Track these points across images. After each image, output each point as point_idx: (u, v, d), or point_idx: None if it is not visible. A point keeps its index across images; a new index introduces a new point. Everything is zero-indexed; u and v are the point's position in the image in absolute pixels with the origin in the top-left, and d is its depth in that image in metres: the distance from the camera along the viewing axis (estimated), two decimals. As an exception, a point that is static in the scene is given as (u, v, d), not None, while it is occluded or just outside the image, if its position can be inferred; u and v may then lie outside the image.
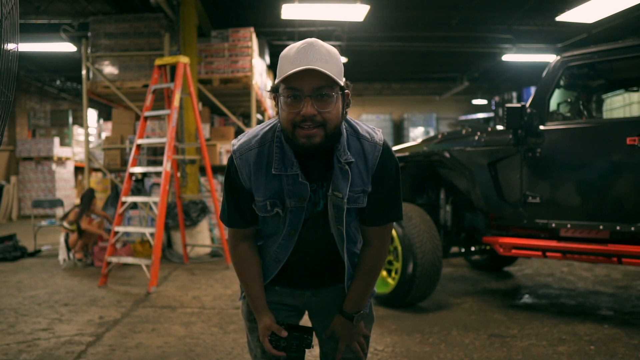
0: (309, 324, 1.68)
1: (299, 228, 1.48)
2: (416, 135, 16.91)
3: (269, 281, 1.57)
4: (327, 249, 1.54)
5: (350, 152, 1.42)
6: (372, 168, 1.45)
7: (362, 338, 1.60)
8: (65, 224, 6.13)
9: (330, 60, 1.32)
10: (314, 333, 1.56)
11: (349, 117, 1.48)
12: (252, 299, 1.54)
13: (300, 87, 1.30)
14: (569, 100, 3.92)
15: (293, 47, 1.34)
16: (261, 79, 8.20)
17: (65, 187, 12.50)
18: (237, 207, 1.49)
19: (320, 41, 1.35)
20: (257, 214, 1.50)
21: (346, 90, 1.39)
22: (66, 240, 6.04)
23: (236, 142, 1.48)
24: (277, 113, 1.41)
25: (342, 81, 1.35)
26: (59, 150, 12.18)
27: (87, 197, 6.13)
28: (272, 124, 1.48)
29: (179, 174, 6.28)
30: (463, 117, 17.01)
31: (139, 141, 5.29)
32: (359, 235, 1.58)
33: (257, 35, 8.13)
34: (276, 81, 1.35)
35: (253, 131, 1.49)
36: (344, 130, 1.43)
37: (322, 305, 1.63)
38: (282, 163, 1.41)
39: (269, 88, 1.41)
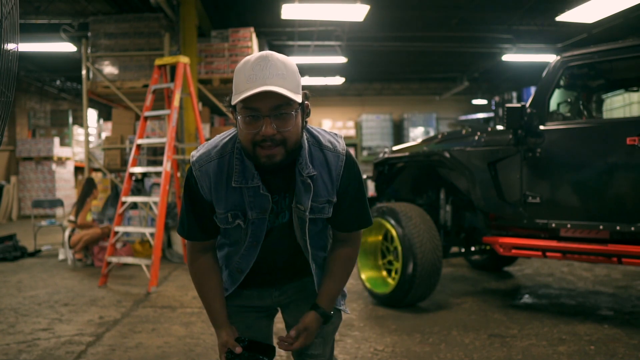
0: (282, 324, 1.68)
1: (261, 239, 1.47)
2: (416, 135, 16.88)
3: (233, 289, 1.56)
4: (293, 255, 1.53)
5: (314, 163, 1.41)
6: (337, 178, 1.45)
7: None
8: (71, 217, 6.14)
9: (287, 74, 1.29)
10: (275, 351, 1.51)
11: (309, 126, 1.46)
12: (211, 313, 1.53)
13: (258, 107, 1.28)
14: (569, 100, 3.92)
15: (248, 61, 1.30)
16: (261, 79, 8.19)
17: (65, 187, 12.50)
18: (198, 220, 1.47)
19: (275, 54, 1.31)
20: (217, 226, 1.48)
21: (306, 102, 1.37)
22: (70, 236, 6.05)
23: (195, 154, 1.45)
24: (236, 127, 1.39)
25: (300, 96, 1.32)
26: (59, 150, 12.18)
27: (87, 186, 6.22)
28: (231, 135, 1.45)
29: (179, 174, 6.28)
30: (463, 117, 16.98)
31: (139, 141, 5.30)
32: (328, 240, 1.59)
33: (257, 35, 8.13)
34: (233, 100, 1.32)
35: (212, 142, 1.47)
36: (305, 141, 1.41)
37: (291, 299, 1.63)
38: (243, 175, 1.39)
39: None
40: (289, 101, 1.29)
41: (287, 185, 1.43)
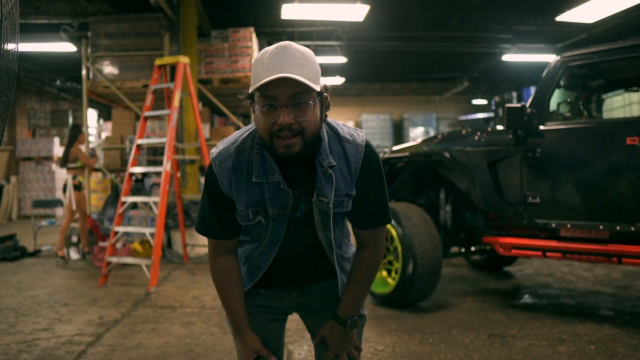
0: (288, 325, 1.65)
1: (281, 235, 1.45)
2: (416, 135, 16.90)
3: (251, 286, 1.54)
4: (311, 252, 1.51)
5: (332, 155, 1.38)
6: (356, 171, 1.41)
7: (354, 350, 1.54)
8: (69, 164, 6.42)
9: (306, 64, 1.27)
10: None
11: (330, 119, 1.43)
12: (233, 318, 1.50)
13: (276, 95, 1.26)
14: (569, 100, 3.92)
15: (267, 51, 1.29)
16: (261, 79, 8.19)
17: (65, 187, 12.47)
18: (219, 218, 1.44)
19: (294, 44, 1.30)
20: (239, 225, 1.46)
21: (325, 94, 1.34)
22: (74, 185, 6.33)
23: (215, 150, 1.43)
24: (254, 119, 1.37)
25: (319, 85, 1.31)
26: (59, 150, 12.15)
27: (73, 132, 6.49)
28: (250, 130, 1.44)
29: (179, 174, 6.28)
30: (463, 117, 17.00)
31: (139, 141, 5.30)
32: (344, 238, 1.56)
33: (257, 35, 8.13)
34: (251, 89, 1.30)
35: (231, 138, 1.45)
36: (325, 133, 1.39)
37: (312, 304, 1.59)
38: (263, 170, 1.37)
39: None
40: (307, 89, 1.26)
41: (306, 179, 1.41)
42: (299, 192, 1.42)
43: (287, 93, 1.26)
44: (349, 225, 1.56)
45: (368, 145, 1.43)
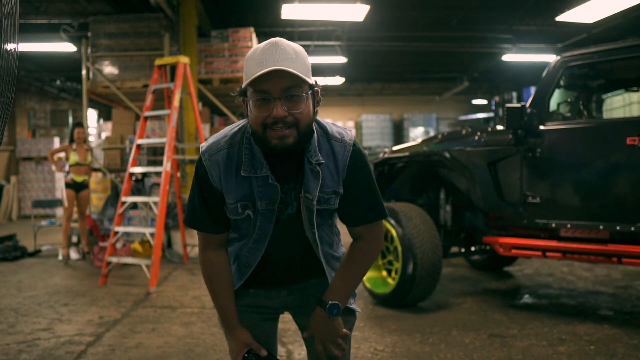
0: (288, 325, 1.65)
1: (269, 231, 1.46)
2: (416, 135, 16.90)
3: (241, 285, 1.54)
4: (301, 251, 1.51)
5: (321, 153, 1.40)
6: (343, 169, 1.43)
7: (340, 339, 1.50)
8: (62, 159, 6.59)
9: (297, 59, 1.29)
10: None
11: (318, 117, 1.45)
12: (223, 312, 1.51)
13: (269, 89, 1.27)
14: (569, 100, 3.92)
15: (258, 48, 1.31)
16: (261, 79, 8.20)
17: (65, 187, 12.47)
18: (209, 210, 1.45)
19: (285, 40, 1.32)
20: (229, 219, 1.47)
21: (315, 88, 1.36)
22: (69, 185, 6.38)
23: (205, 144, 1.45)
24: (246, 115, 1.38)
25: (310, 79, 1.33)
26: (58, 151, 12.16)
27: (73, 127, 6.61)
28: (241, 125, 1.46)
29: (179, 174, 6.28)
30: (463, 117, 17.00)
31: (139, 141, 5.30)
32: (334, 237, 1.56)
33: (257, 35, 8.13)
34: (243, 85, 1.32)
35: (222, 132, 1.47)
36: (315, 130, 1.41)
37: (301, 303, 1.59)
38: (252, 164, 1.39)
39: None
40: (299, 82, 1.28)
41: (295, 175, 1.42)
42: (287, 187, 1.43)
43: (280, 86, 1.27)
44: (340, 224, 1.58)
45: (356, 144, 1.46)
